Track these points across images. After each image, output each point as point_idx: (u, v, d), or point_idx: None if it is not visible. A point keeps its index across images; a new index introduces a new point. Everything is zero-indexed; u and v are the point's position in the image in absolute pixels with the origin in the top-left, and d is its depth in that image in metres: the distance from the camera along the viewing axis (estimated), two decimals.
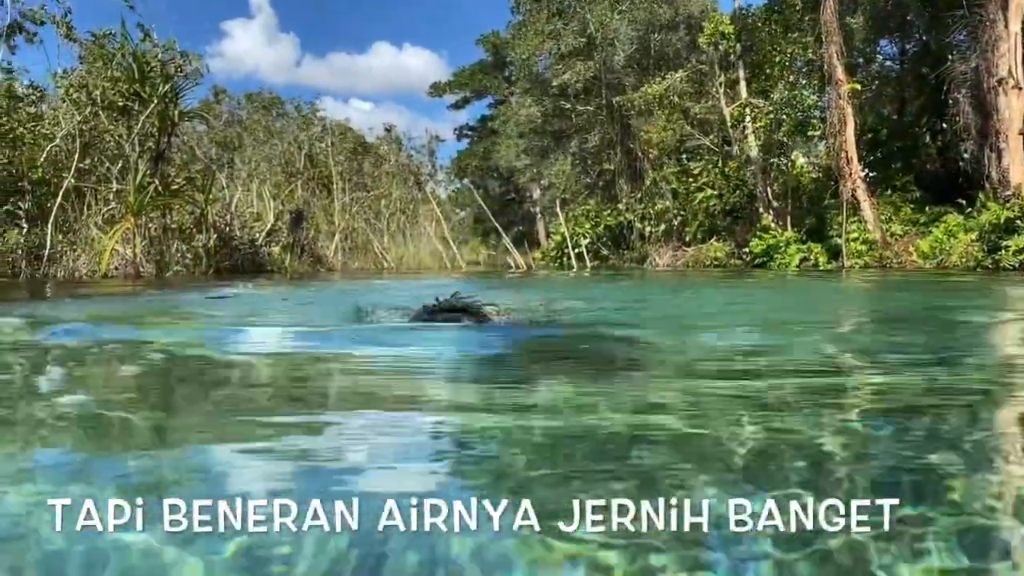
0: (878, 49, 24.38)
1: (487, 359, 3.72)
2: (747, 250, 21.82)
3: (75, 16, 19.31)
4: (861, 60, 23.94)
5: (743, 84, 23.62)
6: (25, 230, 17.02)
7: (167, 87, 18.80)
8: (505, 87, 39.53)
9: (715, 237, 23.77)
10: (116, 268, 17.24)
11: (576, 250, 26.31)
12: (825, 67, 19.99)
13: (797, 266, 19.77)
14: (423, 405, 2.54)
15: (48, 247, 16.91)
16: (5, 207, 17.20)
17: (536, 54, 28.74)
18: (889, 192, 21.05)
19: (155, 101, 18.37)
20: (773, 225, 21.74)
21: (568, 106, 28.84)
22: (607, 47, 26.37)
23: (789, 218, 21.89)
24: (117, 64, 18.85)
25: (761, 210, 22.61)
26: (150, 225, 18.26)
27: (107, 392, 2.97)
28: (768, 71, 22.95)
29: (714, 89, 24.20)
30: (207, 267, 18.56)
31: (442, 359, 3.67)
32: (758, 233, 21.58)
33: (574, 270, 24.63)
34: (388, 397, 2.70)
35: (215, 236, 19.32)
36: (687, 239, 24.58)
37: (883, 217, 19.84)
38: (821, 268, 19.34)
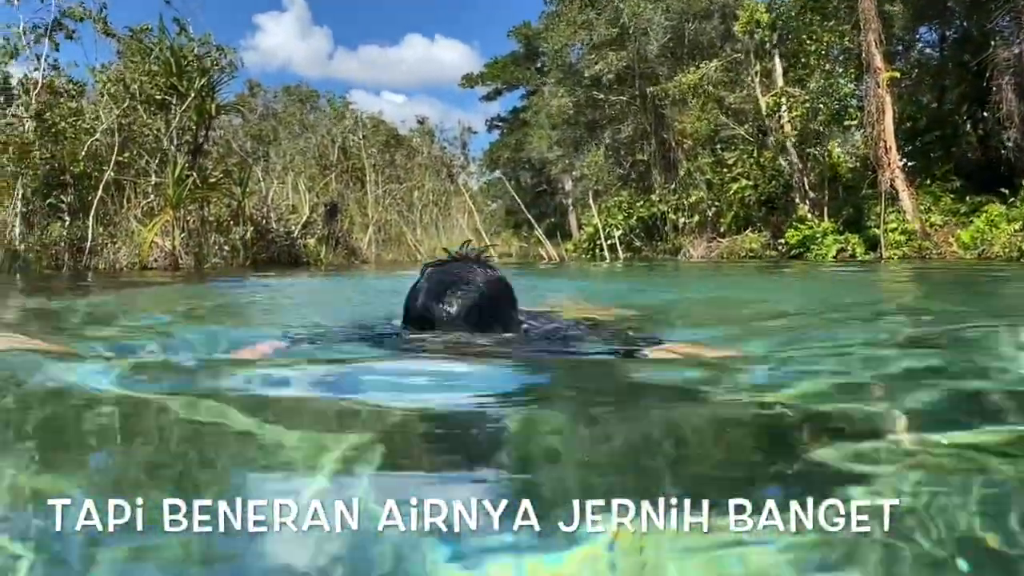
0: (917, 36, 23.85)
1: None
2: (783, 241, 21.51)
3: (112, 11, 19.65)
4: (900, 47, 23.45)
5: (779, 73, 23.28)
6: (67, 223, 17.37)
7: (204, 81, 19.00)
8: (537, 78, 39.43)
9: (750, 228, 23.51)
10: (155, 260, 17.52)
11: (608, 241, 26.19)
12: (863, 55, 19.59)
13: (834, 257, 19.47)
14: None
15: (90, 239, 17.25)
16: (48, 200, 17.58)
17: (568, 44, 28.63)
18: (928, 182, 20.62)
19: (192, 95, 18.61)
20: (810, 216, 21.43)
21: (601, 96, 28.68)
22: (640, 37, 26.18)
23: (826, 208, 21.54)
24: (155, 58, 19.11)
25: (797, 200, 22.30)
26: (188, 218, 18.52)
27: None
28: (804, 59, 22.58)
29: (749, 78, 23.89)
30: (244, 259, 18.79)
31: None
32: (794, 224, 21.26)
33: (607, 262, 24.54)
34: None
35: (252, 228, 19.54)
36: (722, 230, 24.34)
37: (922, 207, 19.45)
38: (859, 259, 19.02)
